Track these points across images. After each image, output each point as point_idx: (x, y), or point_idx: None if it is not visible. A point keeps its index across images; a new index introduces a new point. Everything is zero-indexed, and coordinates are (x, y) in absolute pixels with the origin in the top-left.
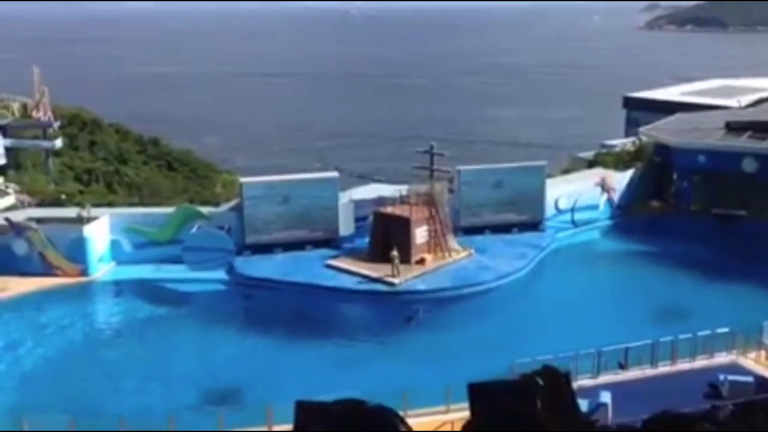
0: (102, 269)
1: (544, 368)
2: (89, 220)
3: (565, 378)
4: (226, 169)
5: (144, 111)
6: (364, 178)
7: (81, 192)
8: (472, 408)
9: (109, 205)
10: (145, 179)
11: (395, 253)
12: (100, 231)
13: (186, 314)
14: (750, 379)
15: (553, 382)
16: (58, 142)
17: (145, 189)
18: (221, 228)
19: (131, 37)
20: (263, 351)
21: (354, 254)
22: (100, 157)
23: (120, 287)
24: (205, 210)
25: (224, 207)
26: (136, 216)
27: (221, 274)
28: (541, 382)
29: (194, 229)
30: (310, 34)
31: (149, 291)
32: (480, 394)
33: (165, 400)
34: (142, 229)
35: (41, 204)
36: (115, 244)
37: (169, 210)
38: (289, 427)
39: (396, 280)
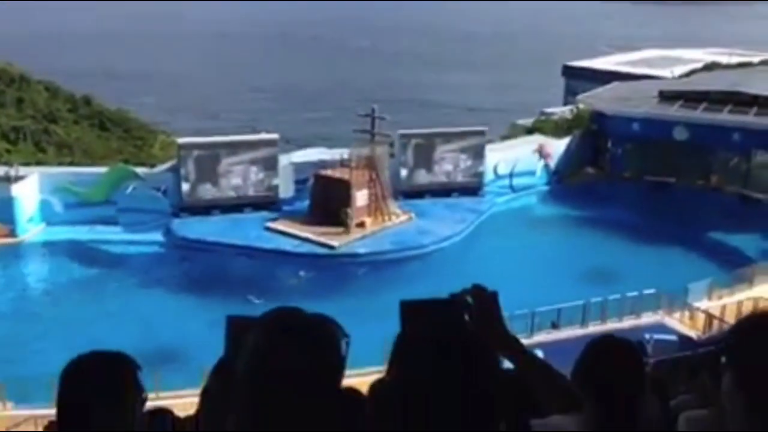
0: (31, 230)
1: (473, 287)
2: (17, 179)
3: (492, 296)
4: (163, 131)
5: (77, 68)
6: (305, 143)
7: (8, 151)
8: (403, 324)
9: (38, 164)
10: (76, 139)
11: (348, 210)
12: (29, 190)
13: (121, 276)
14: (674, 338)
15: (482, 299)
16: None
17: (76, 149)
18: (157, 189)
19: None
20: (200, 313)
21: (293, 217)
22: (29, 115)
23: (50, 249)
24: (140, 170)
25: (160, 168)
26: (68, 175)
27: (157, 236)
28: (470, 300)
29: (129, 190)
30: None
31: (82, 253)
32: (411, 311)
33: None
34: (73, 189)
35: None
36: (45, 205)
37: (102, 170)
38: None
39: (335, 243)
